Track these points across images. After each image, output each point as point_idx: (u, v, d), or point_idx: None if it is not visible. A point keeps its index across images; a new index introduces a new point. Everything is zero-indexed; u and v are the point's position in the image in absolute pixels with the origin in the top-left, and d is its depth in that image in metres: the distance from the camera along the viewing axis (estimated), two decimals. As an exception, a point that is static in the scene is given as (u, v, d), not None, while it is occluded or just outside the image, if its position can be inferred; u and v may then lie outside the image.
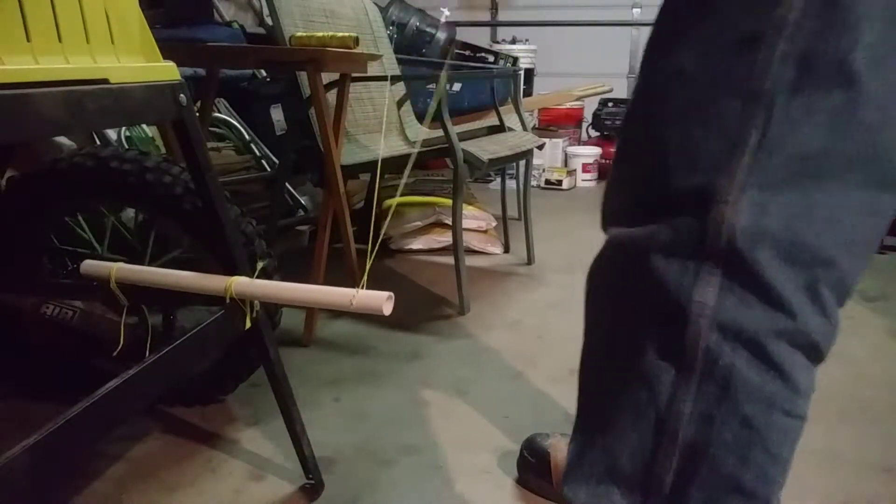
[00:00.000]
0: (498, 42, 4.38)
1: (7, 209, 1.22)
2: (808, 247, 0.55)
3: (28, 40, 0.64)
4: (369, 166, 1.97)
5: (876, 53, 0.51)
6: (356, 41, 1.56)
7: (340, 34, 1.57)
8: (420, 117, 2.42)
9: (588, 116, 4.32)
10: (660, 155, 0.60)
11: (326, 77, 1.58)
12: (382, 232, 2.01)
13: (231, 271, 0.93)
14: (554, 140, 3.90)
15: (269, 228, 1.93)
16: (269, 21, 2.41)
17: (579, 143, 4.28)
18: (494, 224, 2.55)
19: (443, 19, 3.33)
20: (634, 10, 4.46)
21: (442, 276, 2.19)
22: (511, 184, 2.93)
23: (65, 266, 1.31)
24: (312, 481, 1.10)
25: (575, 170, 3.89)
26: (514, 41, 4.24)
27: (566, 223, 2.98)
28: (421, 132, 2.31)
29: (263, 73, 2.63)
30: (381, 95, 2.23)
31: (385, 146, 2.13)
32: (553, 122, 4.15)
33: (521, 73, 2.63)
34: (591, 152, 3.94)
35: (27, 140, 1.35)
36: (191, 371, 1.20)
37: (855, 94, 0.52)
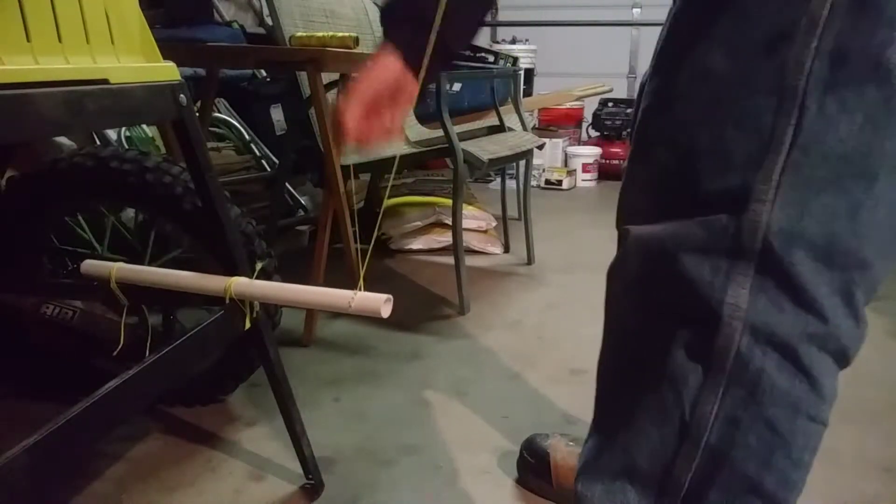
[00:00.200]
0: (498, 42, 4.38)
1: (7, 209, 1.22)
2: (846, 249, 0.54)
3: (28, 40, 0.64)
4: (369, 166, 1.97)
5: None
6: (356, 41, 1.56)
7: (340, 34, 1.57)
8: (420, 117, 2.41)
9: (588, 116, 4.31)
10: (689, 154, 0.59)
11: (326, 77, 1.58)
12: (377, 230, 2.01)
13: (231, 271, 0.93)
14: (554, 140, 3.90)
15: (269, 228, 1.93)
16: (269, 21, 2.41)
17: (579, 143, 4.28)
18: (494, 224, 2.55)
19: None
20: (634, 10, 4.45)
21: (442, 276, 2.19)
22: (511, 184, 2.93)
23: (65, 266, 1.31)
24: (312, 481, 1.10)
25: (575, 170, 3.89)
26: (514, 41, 4.24)
27: (566, 223, 2.98)
28: (422, 132, 2.31)
29: (263, 73, 2.63)
30: (381, 95, 2.22)
31: (385, 146, 2.13)
32: (553, 122, 4.15)
33: (521, 73, 2.63)
34: (591, 152, 3.93)
35: (27, 140, 1.35)
36: (191, 371, 1.20)
37: (890, 91, 0.51)
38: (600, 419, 0.73)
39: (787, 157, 0.54)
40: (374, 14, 2.29)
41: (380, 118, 0.71)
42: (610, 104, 4.14)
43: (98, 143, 1.75)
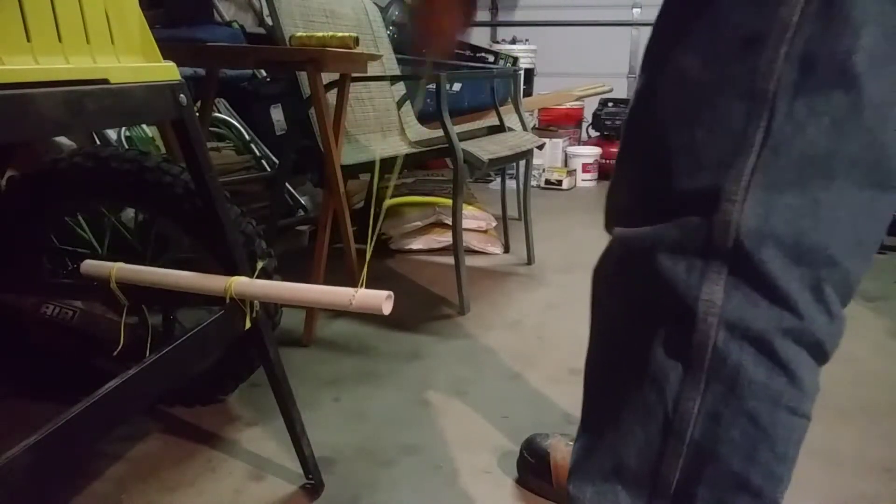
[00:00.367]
0: (498, 42, 4.38)
1: (7, 209, 1.22)
2: (812, 246, 0.56)
3: (28, 40, 0.64)
4: (369, 166, 1.97)
5: (875, 55, 0.52)
6: (356, 41, 1.56)
7: (340, 34, 1.57)
8: (420, 117, 2.42)
9: (588, 116, 4.32)
10: (665, 155, 0.60)
11: (326, 77, 1.58)
12: (378, 230, 2.01)
13: (231, 271, 0.93)
14: (554, 140, 3.90)
15: (269, 228, 1.93)
16: (269, 21, 2.41)
17: (579, 143, 4.28)
18: (494, 224, 2.55)
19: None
20: (634, 10, 4.46)
21: (442, 276, 2.19)
22: (511, 184, 2.93)
23: (65, 266, 1.31)
24: (312, 481, 1.10)
25: (575, 170, 3.89)
26: (514, 41, 4.24)
27: (566, 223, 2.98)
28: (422, 132, 2.31)
29: (263, 73, 2.63)
30: (381, 95, 2.23)
31: (385, 146, 2.13)
32: (553, 122, 4.15)
33: (521, 73, 2.63)
34: (591, 152, 3.94)
35: (27, 140, 1.35)
36: (191, 371, 1.20)
37: (856, 96, 0.53)
38: (588, 418, 0.74)
39: (757, 159, 0.55)
40: (374, 14, 2.29)
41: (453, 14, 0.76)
42: (610, 104, 4.15)
43: (98, 143, 1.75)
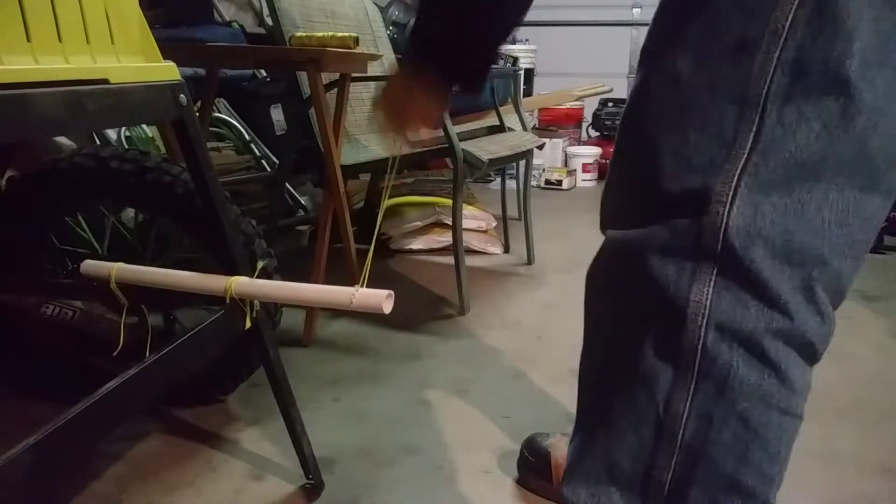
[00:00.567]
0: (498, 42, 4.37)
1: (7, 209, 1.22)
2: (801, 247, 0.56)
3: (28, 40, 0.64)
4: (369, 166, 1.97)
5: (867, 61, 0.52)
6: (356, 41, 1.56)
7: (340, 34, 1.57)
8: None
9: (588, 116, 4.32)
10: (655, 157, 0.61)
11: (326, 77, 1.58)
12: (378, 230, 2.00)
13: (231, 271, 0.93)
14: (554, 140, 3.90)
15: (269, 228, 1.93)
16: (269, 21, 2.41)
17: (579, 143, 4.28)
18: (494, 224, 2.55)
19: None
20: (634, 10, 4.46)
21: (442, 276, 2.19)
22: (511, 184, 2.93)
23: (65, 266, 1.31)
24: (312, 481, 1.10)
25: (575, 170, 3.89)
26: (514, 41, 4.24)
27: (566, 223, 2.98)
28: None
29: (263, 73, 2.63)
30: (381, 95, 2.22)
31: (385, 146, 2.13)
32: (553, 122, 4.15)
33: (521, 73, 2.63)
34: (591, 152, 3.94)
35: (27, 140, 1.35)
36: (191, 371, 1.20)
37: (847, 101, 0.53)
38: (582, 419, 0.74)
39: (746, 162, 0.56)
40: (374, 14, 2.29)
41: (406, 124, 0.77)
42: (610, 104, 4.15)
43: (98, 143, 1.75)
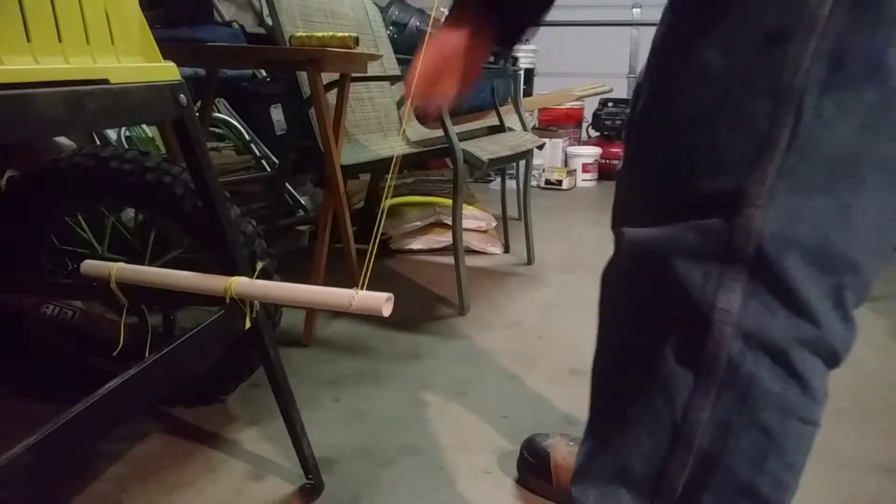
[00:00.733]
0: (498, 42, 4.37)
1: (7, 209, 1.22)
2: (837, 253, 0.54)
3: (28, 40, 0.64)
4: (369, 166, 1.97)
5: None
6: (356, 41, 1.56)
7: (340, 34, 1.57)
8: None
9: (588, 116, 4.32)
10: (684, 155, 0.58)
11: (326, 77, 1.58)
12: (377, 229, 2.01)
13: (231, 271, 0.93)
14: (554, 140, 3.90)
15: (269, 228, 1.93)
16: (269, 21, 2.40)
17: (579, 143, 4.28)
18: (494, 224, 2.55)
19: (443, 19, 3.33)
20: (634, 10, 4.45)
21: (442, 276, 2.19)
22: (511, 184, 2.93)
23: (65, 266, 1.31)
24: (312, 481, 1.10)
25: (575, 170, 3.89)
26: (513, 41, 4.23)
27: (566, 223, 2.98)
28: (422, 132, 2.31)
29: (263, 73, 2.63)
30: (382, 95, 2.23)
31: (385, 146, 2.13)
32: (553, 122, 4.15)
33: (521, 73, 2.63)
34: (591, 152, 3.94)
35: (27, 140, 1.35)
36: (191, 371, 1.20)
37: (889, 92, 0.51)
38: (594, 422, 0.73)
39: (784, 160, 0.53)
40: (374, 14, 2.29)
41: (445, 83, 0.73)
42: (610, 104, 4.15)
43: (98, 143, 1.75)
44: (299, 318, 1.68)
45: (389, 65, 2.29)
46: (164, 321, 1.25)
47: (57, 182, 1.20)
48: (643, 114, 0.64)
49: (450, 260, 1.97)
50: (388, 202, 2.43)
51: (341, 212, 1.63)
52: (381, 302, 0.77)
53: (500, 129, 2.30)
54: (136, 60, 0.80)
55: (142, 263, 1.03)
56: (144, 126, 1.89)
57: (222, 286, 0.90)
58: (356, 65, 1.61)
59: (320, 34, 1.60)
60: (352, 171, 1.86)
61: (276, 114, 2.58)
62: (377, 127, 2.17)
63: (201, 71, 2.06)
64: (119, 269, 0.95)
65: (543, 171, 3.78)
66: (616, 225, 0.68)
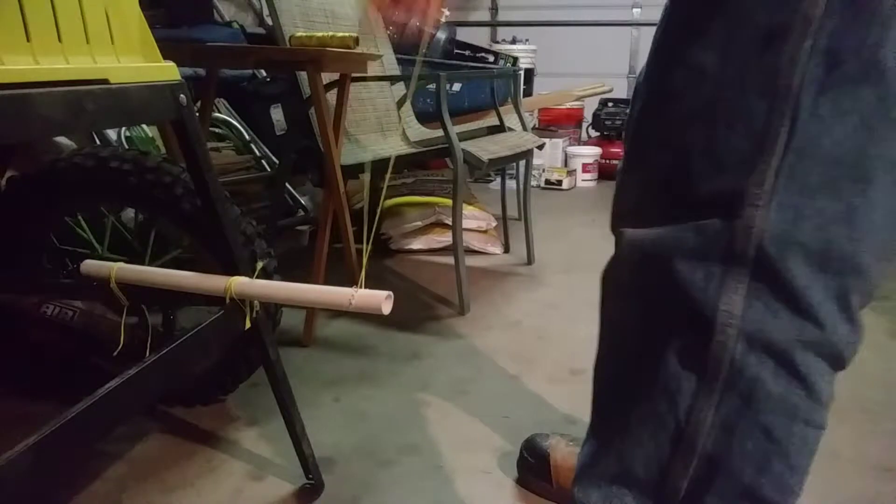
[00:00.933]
0: (498, 42, 4.38)
1: (7, 209, 1.22)
2: (841, 254, 0.53)
3: (28, 40, 0.64)
4: (369, 166, 1.97)
5: None
6: (356, 41, 1.56)
7: (340, 34, 1.57)
8: (420, 117, 2.42)
9: (588, 116, 4.31)
10: (682, 155, 0.58)
11: (326, 77, 1.58)
12: (374, 230, 2.00)
13: (231, 271, 0.93)
14: (554, 140, 3.90)
15: (269, 228, 1.93)
16: (269, 21, 2.41)
17: (579, 143, 4.28)
18: (494, 224, 2.55)
19: (443, 19, 3.33)
20: (634, 10, 4.45)
21: (442, 276, 2.19)
22: (511, 184, 2.93)
23: (65, 266, 1.31)
24: (312, 481, 1.10)
25: (575, 170, 3.89)
26: (514, 41, 4.24)
27: (566, 223, 2.98)
28: (422, 132, 2.31)
29: (263, 73, 2.63)
30: (381, 95, 2.23)
31: (385, 146, 2.13)
32: (553, 122, 4.15)
33: (521, 73, 2.63)
34: (591, 152, 3.94)
35: (27, 140, 1.35)
36: (191, 371, 1.20)
37: (885, 91, 0.51)
38: (596, 424, 0.72)
39: (782, 161, 0.53)
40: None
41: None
42: (610, 104, 4.14)
43: (98, 143, 1.75)
44: (299, 318, 1.68)
45: (389, 65, 2.29)
46: (164, 321, 1.25)
47: (57, 182, 1.20)
48: (641, 115, 0.64)
49: (450, 260, 1.97)
50: (388, 202, 2.43)
51: (341, 212, 1.63)
52: (381, 300, 0.77)
53: (500, 129, 2.30)
54: (136, 60, 0.80)
55: (142, 263, 1.03)
56: (144, 126, 1.89)
57: (222, 286, 0.90)
58: (356, 65, 1.61)
59: (320, 34, 1.60)
60: (352, 171, 1.86)
61: (276, 114, 2.58)
62: (377, 127, 2.17)
63: (201, 71, 2.07)
64: (119, 269, 0.95)
65: (543, 171, 3.78)
66: (616, 226, 0.67)
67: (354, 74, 1.64)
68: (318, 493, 1.09)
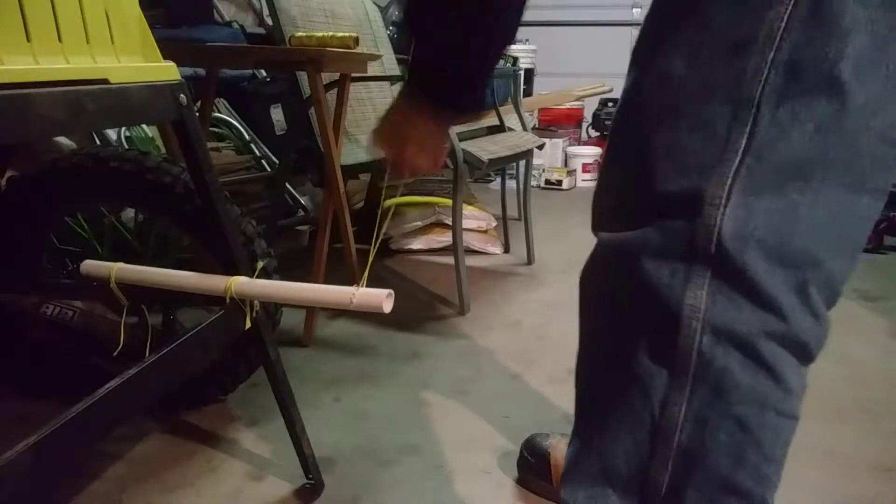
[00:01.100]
0: (498, 42, 4.37)
1: (7, 209, 1.22)
2: (795, 248, 0.56)
3: (28, 40, 0.64)
4: (369, 166, 1.97)
5: (860, 62, 0.52)
6: (356, 41, 1.56)
7: (340, 34, 1.57)
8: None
9: (588, 116, 4.32)
10: (648, 158, 0.60)
11: (326, 77, 1.58)
12: (377, 230, 2.01)
13: (231, 271, 0.93)
14: (554, 140, 3.90)
15: (269, 228, 1.93)
16: (269, 21, 2.41)
17: (579, 143, 4.28)
18: (494, 224, 2.55)
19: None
20: (634, 10, 4.46)
21: (442, 276, 2.19)
22: (511, 184, 2.93)
23: (65, 266, 1.31)
24: (312, 481, 1.10)
25: (575, 170, 3.89)
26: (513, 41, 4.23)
27: (566, 223, 2.98)
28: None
29: (263, 73, 2.63)
30: (381, 95, 2.23)
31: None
32: (553, 122, 4.15)
33: (521, 73, 2.64)
34: (591, 152, 3.94)
35: (27, 140, 1.35)
36: (191, 371, 1.20)
37: (840, 103, 0.53)
38: (579, 423, 0.74)
39: (740, 164, 0.55)
40: (374, 14, 2.29)
41: (414, 154, 0.76)
42: (610, 104, 4.15)
43: (98, 143, 1.75)
44: (299, 318, 1.68)
45: (389, 65, 2.29)
46: (164, 321, 1.25)
47: (57, 182, 1.20)
48: (616, 119, 0.67)
49: (450, 260, 1.97)
50: (387, 202, 2.43)
51: (341, 212, 1.63)
52: (382, 298, 0.77)
53: (500, 129, 2.30)
54: (136, 60, 0.80)
55: (142, 263, 1.03)
56: (144, 126, 1.89)
57: (222, 286, 0.90)
58: (356, 65, 1.61)
59: (320, 34, 1.60)
60: (352, 171, 1.86)
61: (276, 114, 2.58)
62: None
63: (201, 71, 2.07)
64: (119, 269, 0.95)
65: (543, 171, 3.78)
66: (594, 228, 0.70)
67: (354, 74, 1.64)
68: (318, 493, 1.09)
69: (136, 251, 1.30)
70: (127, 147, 1.76)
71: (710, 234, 0.56)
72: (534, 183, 3.64)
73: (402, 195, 2.52)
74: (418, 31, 0.69)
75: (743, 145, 0.55)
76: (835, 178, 0.55)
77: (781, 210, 0.55)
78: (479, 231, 2.51)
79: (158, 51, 0.82)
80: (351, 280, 1.67)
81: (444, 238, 2.45)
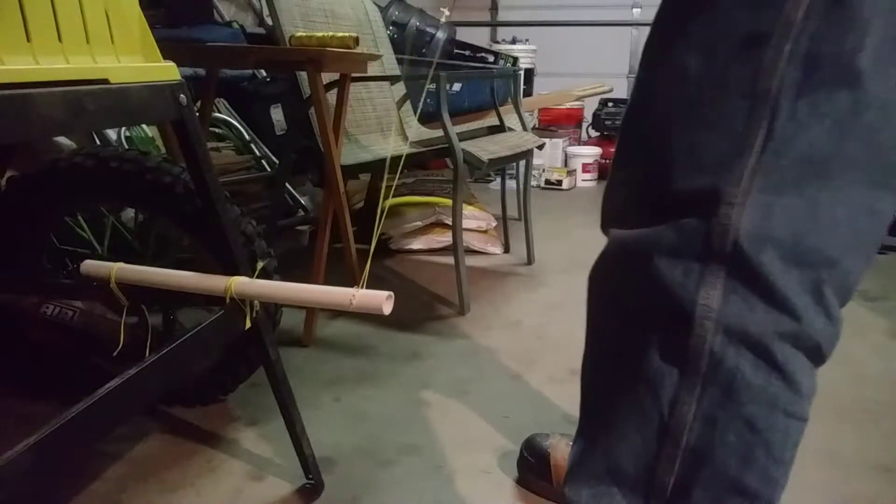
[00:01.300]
0: (498, 42, 4.38)
1: (7, 209, 1.22)
2: (812, 248, 0.55)
3: (28, 40, 0.64)
4: (369, 166, 1.97)
5: (880, 53, 0.51)
6: (356, 41, 1.56)
7: (340, 34, 1.57)
8: (420, 117, 2.42)
9: (588, 116, 4.32)
10: (663, 156, 0.59)
11: (326, 77, 1.58)
12: (378, 231, 2.01)
13: (231, 271, 0.93)
14: (554, 140, 3.90)
15: (269, 228, 1.93)
16: (269, 21, 2.41)
17: (579, 143, 4.28)
18: (494, 224, 2.55)
19: (443, 19, 3.33)
20: (634, 10, 4.46)
21: (442, 276, 2.19)
22: (511, 184, 2.93)
23: (65, 266, 1.31)
24: (312, 481, 1.10)
25: (575, 170, 3.89)
26: (514, 41, 4.24)
27: (566, 223, 2.98)
28: (422, 132, 2.31)
29: (263, 73, 2.63)
30: (381, 95, 2.23)
31: (385, 146, 2.13)
32: (553, 122, 4.15)
33: (521, 73, 2.64)
34: (591, 152, 3.94)
35: (27, 140, 1.35)
36: (191, 371, 1.20)
37: (860, 95, 0.52)
38: (584, 422, 0.73)
39: (758, 161, 0.54)
40: (374, 14, 2.29)
41: None
42: (610, 104, 4.15)
43: (98, 143, 1.75)
44: (299, 318, 1.68)
45: (389, 65, 2.29)
46: (164, 321, 1.25)
47: (57, 182, 1.20)
48: (628, 115, 0.66)
49: (450, 260, 1.97)
50: (387, 202, 2.43)
51: (341, 212, 1.63)
52: (382, 300, 0.77)
53: (500, 129, 2.30)
54: (136, 60, 0.80)
55: (142, 263, 1.03)
56: (144, 126, 1.89)
57: (222, 286, 0.90)
58: (356, 65, 1.61)
59: (320, 34, 1.60)
60: (352, 171, 1.86)
61: (276, 114, 2.58)
62: (377, 127, 2.17)
63: (201, 71, 2.07)
64: (119, 269, 0.95)
65: (543, 171, 3.78)
66: (605, 226, 0.69)
67: (354, 74, 1.64)
68: (318, 493, 1.09)
69: (136, 251, 1.30)
70: (127, 147, 1.76)
71: (725, 233, 0.56)
72: (534, 183, 3.64)
73: (402, 195, 2.52)
74: None
75: (761, 141, 0.54)
76: (856, 175, 0.54)
77: (800, 208, 0.54)
78: (479, 231, 2.51)
79: (158, 51, 0.82)
80: (351, 280, 1.67)
81: (444, 238, 2.45)
